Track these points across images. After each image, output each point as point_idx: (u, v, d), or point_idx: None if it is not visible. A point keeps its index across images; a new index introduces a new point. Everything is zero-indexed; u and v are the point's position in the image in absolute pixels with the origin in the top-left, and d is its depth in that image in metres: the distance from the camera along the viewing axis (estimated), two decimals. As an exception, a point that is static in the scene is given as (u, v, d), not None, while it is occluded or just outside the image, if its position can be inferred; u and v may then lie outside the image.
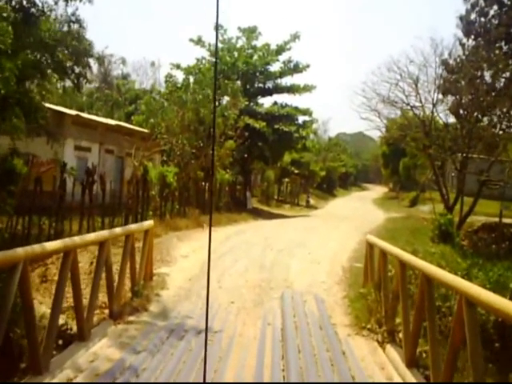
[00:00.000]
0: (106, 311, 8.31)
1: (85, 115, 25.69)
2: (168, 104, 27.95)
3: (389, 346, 7.68)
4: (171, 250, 15.45)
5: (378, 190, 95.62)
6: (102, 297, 8.46)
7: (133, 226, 9.78)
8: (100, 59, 18.98)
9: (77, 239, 6.88)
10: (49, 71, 16.69)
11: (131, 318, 8.37)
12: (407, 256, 7.61)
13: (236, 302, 9.84)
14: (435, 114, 26.51)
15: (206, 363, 4.23)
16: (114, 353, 6.88)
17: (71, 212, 16.50)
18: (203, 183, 28.14)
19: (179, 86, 28.46)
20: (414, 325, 6.81)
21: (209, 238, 3.65)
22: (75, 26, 17.18)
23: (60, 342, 6.75)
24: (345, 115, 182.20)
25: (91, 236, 7.45)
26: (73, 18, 16.90)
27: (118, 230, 8.87)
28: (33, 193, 14.59)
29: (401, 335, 7.79)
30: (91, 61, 20.07)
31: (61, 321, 7.08)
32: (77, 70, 17.56)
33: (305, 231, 23.78)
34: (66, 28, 16.87)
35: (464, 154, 25.10)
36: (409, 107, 26.63)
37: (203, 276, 11.99)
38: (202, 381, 5.19)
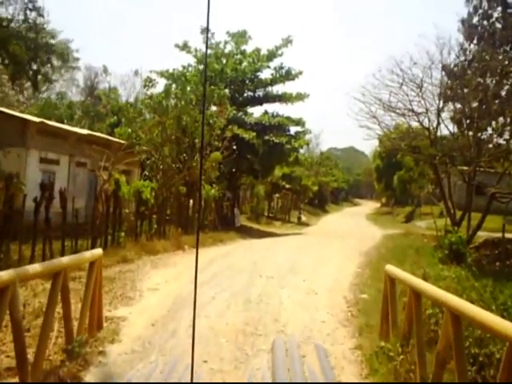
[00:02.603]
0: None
1: (51, 123, 22.97)
2: (148, 111, 25.47)
3: None
4: (138, 280, 12.81)
5: (370, 205, 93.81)
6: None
7: (64, 260, 7.04)
8: (64, 55, 16.41)
9: None
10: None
11: (53, 398, 5.78)
12: (467, 307, 5.06)
13: (210, 361, 7.21)
14: (441, 121, 24.24)
15: None
16: None
17: (25, 234, 13.94)
18: (186, 199, 25.58)
19: (160, 92, 26.01)
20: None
21: (195, 268, 3.68)
22: (32, 14, 14.68)
23: None
24: (336, 130, 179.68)
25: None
26: (29, 5, 14.39)
27: (33, 267, 6.20)
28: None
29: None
30: (74, 66, 17.66)
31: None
32: (34, 66, 15.05)
33: (298, 252, 21.26)
34: (21, 16, 14.41)
35: (473, 166, 22.82)
36: (412, 113, 24.21)
37: (172, 318, 9.41)
38: None
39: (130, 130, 24.98)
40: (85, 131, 25.31)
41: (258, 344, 8.14)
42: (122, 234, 18.65)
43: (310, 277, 14.98)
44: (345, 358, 7.67)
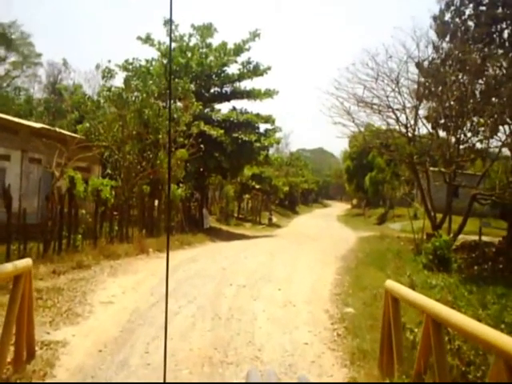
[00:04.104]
0: None
1: (-1, 115, 21.05)
2: (107, 105, 23.65)
3: None
4: (91, 292, 11.09)
5: (340, 207, 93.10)
6: None
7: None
8: (7, 38, 14.61)
9: None
10: None
11: None
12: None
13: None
14: (418, 118, 23.12)
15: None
16: None
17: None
18: (151, 199, 23.86)
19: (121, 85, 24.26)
20: None
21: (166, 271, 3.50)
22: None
23: None
24: (304, 131, 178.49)
25: None
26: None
27: None
28: None
29: None
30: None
31: None
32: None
33: (270, 256, 19.78)
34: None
35: (454, 166, 21.77)
36: (388, 110, 23.01)
37: (125, 341, 7.80)
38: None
39: (87, 125, 23.15)
40: (38, 125, 23.27)
41: (229, 376, 6.62)
42: (79, 236, 16.92)
43: (285, 285, 13.55)
44: (337, 395, 6.20)
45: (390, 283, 6.67)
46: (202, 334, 8.45)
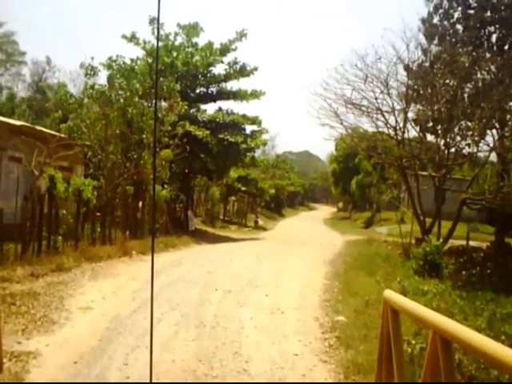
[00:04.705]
0: None
1: (-24, 112, 20.41)
2: (90, 103, 23.06)
3: None
4: (69, 296, 10.48)
5: (326, 210, 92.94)
6: None
7: None
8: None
9: None
10: None
11: None
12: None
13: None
14: (408, 121, 22.74)
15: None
16: None
17: None
18: (135, 200, 23.27)
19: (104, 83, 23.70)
20: None
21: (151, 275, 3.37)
22: None
23: None
24: (290, 134, 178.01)
25: None
26: None
27: None
28: None
29: None
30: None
31: None
32: None
33: (256, 260, 19.30)
34: None
35: (445, 170, 21.45)
36: (377, 112, 22.57)
37: (103, 352, 7.26)
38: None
39: (70, 124, 22.55)
40: (18, 122, 22.65)
41: (214, 392, 6.13)
42: (59, 237, 16.31)
43: (273, 290, 13.06)
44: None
45: (389, 293, 6.08)
46: (186, 344, 7.93)
